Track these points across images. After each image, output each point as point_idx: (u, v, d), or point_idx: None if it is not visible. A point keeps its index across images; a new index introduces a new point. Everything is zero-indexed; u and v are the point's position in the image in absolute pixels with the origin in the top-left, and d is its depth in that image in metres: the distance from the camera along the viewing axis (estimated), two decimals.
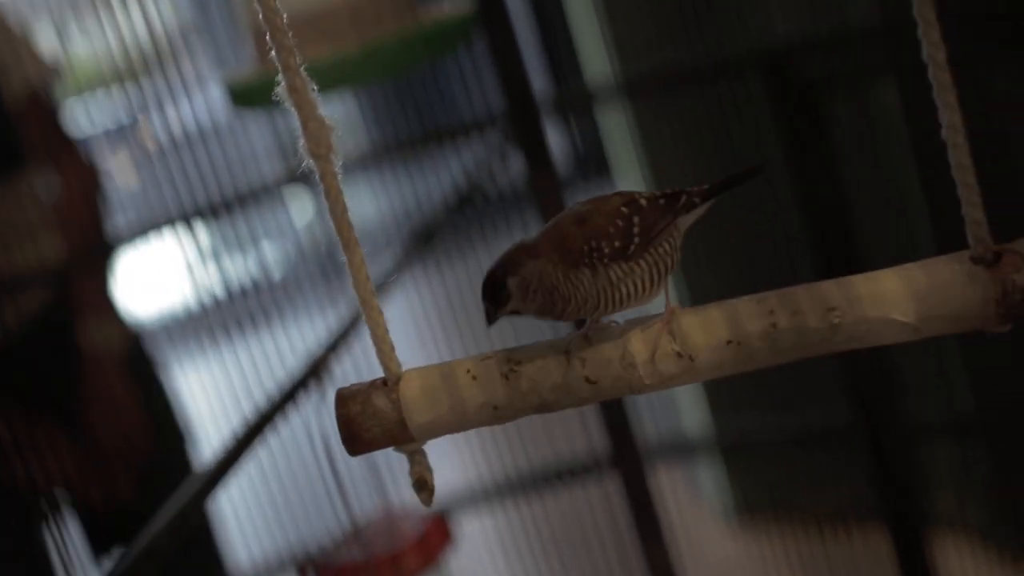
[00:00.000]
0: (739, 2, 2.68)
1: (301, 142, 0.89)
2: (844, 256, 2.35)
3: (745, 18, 2.67)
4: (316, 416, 1.66)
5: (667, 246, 0.91)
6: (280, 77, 0.88)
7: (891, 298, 0.86)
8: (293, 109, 0.88)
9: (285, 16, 0.86)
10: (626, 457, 2.70)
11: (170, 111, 2.34)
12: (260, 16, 0.86)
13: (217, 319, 2.51)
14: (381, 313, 0.91)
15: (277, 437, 1.71)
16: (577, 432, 2.90)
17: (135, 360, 2.20)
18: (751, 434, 2.90)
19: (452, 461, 3.28)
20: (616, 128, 3.05)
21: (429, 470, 0.92)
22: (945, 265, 0.87)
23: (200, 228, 2.56)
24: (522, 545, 2.94)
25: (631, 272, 0.89)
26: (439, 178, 2.93)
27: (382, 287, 2.04)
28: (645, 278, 0.90)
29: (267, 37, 0.88)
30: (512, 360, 0.90)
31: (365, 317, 0.90)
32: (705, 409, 3.07)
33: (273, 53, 0.87)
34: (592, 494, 2.85)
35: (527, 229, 2.75)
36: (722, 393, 3.03)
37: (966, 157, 0.85)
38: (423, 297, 2.98)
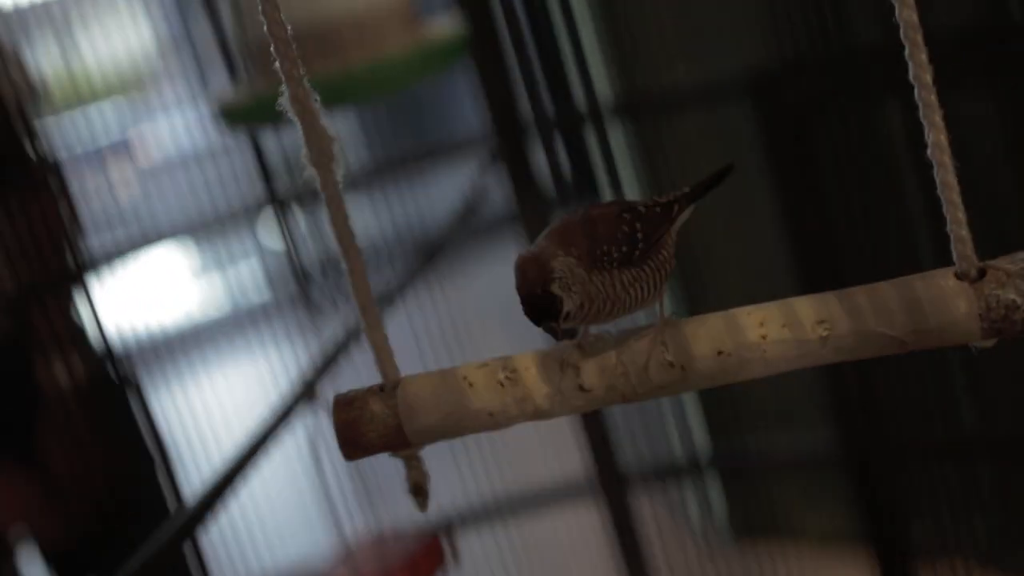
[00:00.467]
0: (730, 24, 2.71)
1: (303, 152, 0.90)
2: (830, 276, 2.38)
3: (735, 39, 2.70)
4: (307, 438, 1.66)
5: (665, 252, 0.94)
6: (283, 88, 0.90)
7: (878, 312, 0.88)
8: (295, 119, 0.90)
9: (289, 28, 0.88)
10: (609, 481, 2.73)
11: (153, 131, 2.34)
12: (265, 28, 0.88)
13: (195, 341, 2.51)
14: (380, 319, 0.92)
15: (267, 458, 1.72)
16: (560, 455, 2.92)
17: (100, 386, 2.17)
18: (737, 458, 2.92)
19: (433, 484, 3.29)
20: (603, 149, 3.06)
21: (425, 475, 0.94)
22: (931, 280, 0.89)
23: (183, 248, 2.56)
24: (511, 568, 2.95)
25: (639, 277, 0.91)
26: (423, 198, 2.95)
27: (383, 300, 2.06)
28: (650, 283, 0.92)
29: (271, 49, 0.90)
30: (508, 367, 0.92)
31: (363, 324, 0.92)
32: (691, 432, 3.08)
33: (277, 64, 0.89)
34: (575, 517, 2.86)
35: (513, 248, 2.76)
36: (708, 416, 3.04)
37: (951, 176, 0.87)
38: (415, 315, 2.99)
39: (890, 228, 2.55)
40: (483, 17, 2.16)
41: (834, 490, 2.69)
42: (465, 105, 2.70)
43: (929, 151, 0.87)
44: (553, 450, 2.88)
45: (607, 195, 3.11)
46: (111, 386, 2.18)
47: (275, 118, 2.02)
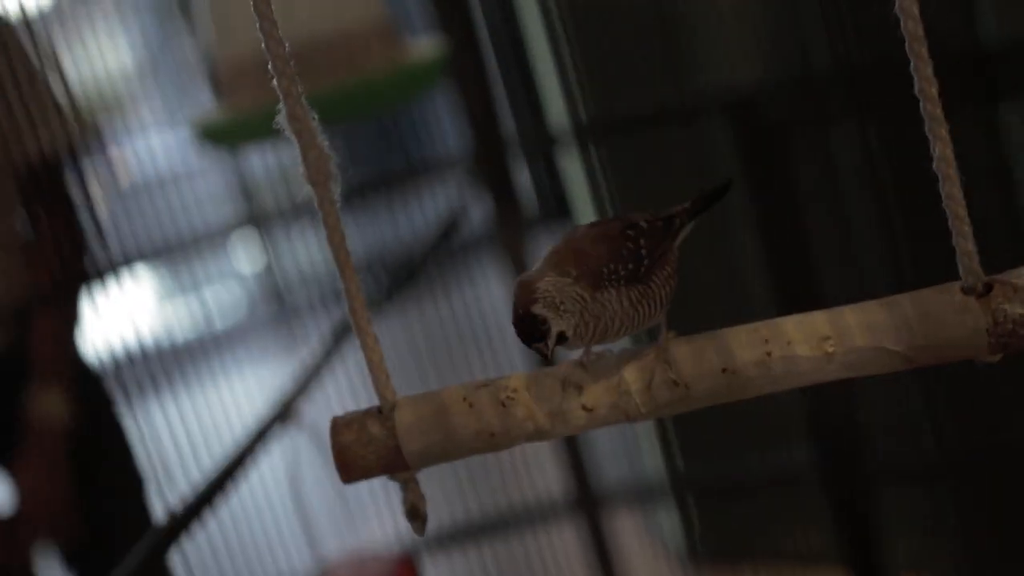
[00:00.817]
0: (704, 45, 2.71)
1: (301, 170, 0.89)
2: (808, 296, 2.37)
3: (710, 60, 2.70)
4: (284, 459, 1.65)
5: (669, 268, 0.92)
6: (280, 105, 0.88)
7: (883, 328, 0.87)
8: (293, 137, 0.89)
9: (287, 45, 0.87)
10: (585, 501, 2.71)
11: (131, 150, 2.32)
12: (263, 45, 0.86)
13: (168, 363, 2.47)
14: (376, 340, 0.91)
15: (244, 478, 1.70)
16: (537, 476, 2.90)
17: (92, 401, 2.14)
18: (710, 478, 2.91)
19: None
20: (578, 170, 3.06)
21: (422, 499, 0.92)
22: (936, 296, 0.88)
23: (153, 271, 2.54)
24: None
25: (646, 293, 0.90)
26: (402, 218, 2.94)
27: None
28: (657, 299, 0.90)
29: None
30: (508, 388, 0.90)
31: (361, 344, 0.91)
32: (663, 452, 3.07)
33: (275, 81, 0.88)
34: (552, 538, 2.84)
35: (493, 269, 2.75)
36: (683, 435, 3.03)
37: (957, 189, 0.87)
38: (393, 335, 2.97)
39: (869, 248, 2.56)
40: (464, 37, 2.14)
41: (811, 511, 2.68)
42: (443, 124, 2.69)
43: (935, 164, 0.87)
44: (530, 470, 2.87)
45: (584, 215, 3.11)
46: (104, 399, 2.15)
47: (254, 137, 2.01)
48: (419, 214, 2.79)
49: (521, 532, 2.87)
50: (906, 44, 0.85)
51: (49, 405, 1.97)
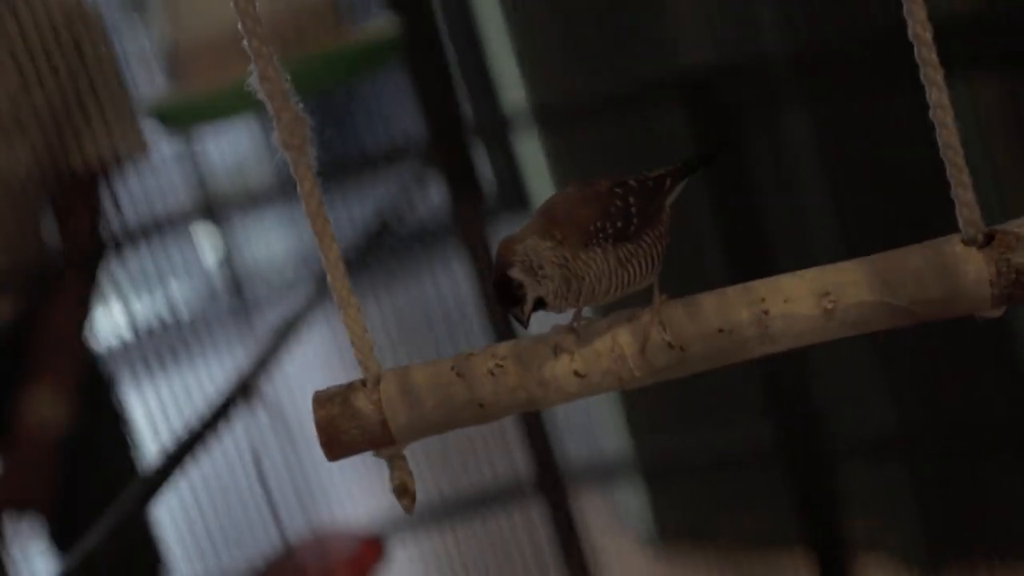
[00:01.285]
0: (658, 27, 2.69)
1: (274, 134, 0.85)
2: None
3: (664, 43, 2.68)
4: (246, 435, 1.62)
5: (661, 228, 0.89)
6: (252, 67, 0.85)
7: (884, 282, 0.85)
8: (266, 100, 0.85)
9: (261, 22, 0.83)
10: (548, 482, 2.69)
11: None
12: (233, 3, 0.82)
13: (124, 358, 2.43)
14: (359, 310, 0.87)
15: (208, 457, 1.66)
16: (499, 457, 2.87)
17: (95, 389, 2.09)
18: (672, 457, 2.89)
19: (374, 487, 3.23)
20: (532, 156, 3.04)
21: (410, 475, 0.89)
22: (936, 248, 0.86)
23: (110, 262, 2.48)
24: (445, 571, 2.91)
25: (635, 252, 0.87)
26: (352, 208, 2.90)
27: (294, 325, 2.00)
28: (646, 259, 0.87)
29: (238, 27, 0.85)
30: (497, 356, 0.87)
31: (343, 315, 0.87)
32: (624, 432, 3.05)
33: (245, 42, 0.84)
34: (515, 520, 2.82)
35: (448, 259, 2.72)
36: (642, 415, 3.02)
37: (954, 137, 0.84)
38: (339, 330, 2.92)
39: (824, 227, 2.55)
40: (420, 18, 2.10)
41: (770, 490, 2.67)
42: (395, 109, 2.64)
43: (931, 112, 0.84)
44: (492, 451, 2.84)
45: (540, 199, 3.08)
46: (105, 386, 2.10)
47: (210, 117, 1.96)
48: (371, 201, 2.75)
49: (485, 514, 2.85)
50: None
51: (48, 410, 1.90)
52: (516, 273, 0.84)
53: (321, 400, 0.87)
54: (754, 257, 2.35)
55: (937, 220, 2.38)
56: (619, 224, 0.86)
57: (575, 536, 2.66)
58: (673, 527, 3.02)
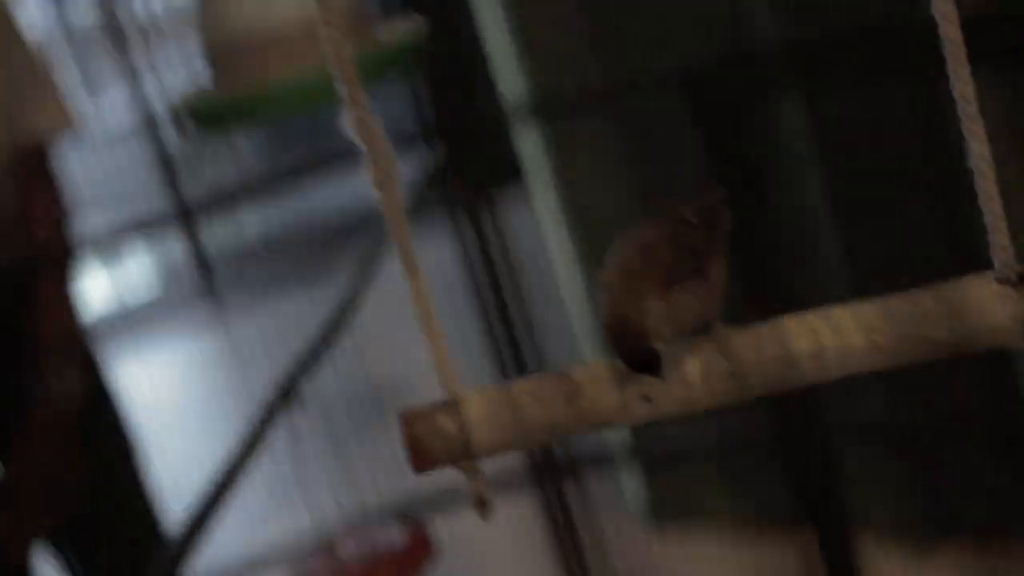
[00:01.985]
0: (657, 19, 2.74)
1: (368, 175, 0.92)
2: (770, 278, 2.42)
3: (663, 35, 2.73)
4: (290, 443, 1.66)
5: (722, 257, 0.96)
6: (344, 110, 0.91)
7: (924, 318, 0.92)
8: (362, 144, 0.91)
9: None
10: (547, 466, 2.76)
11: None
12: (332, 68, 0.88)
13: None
14: (443, 336, 0.94)
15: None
16: None
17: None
18: (671, 440, 2.96)
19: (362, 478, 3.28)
20: (529, 148, 3.09)
21: (488, 488, 0.96)
22: (973, 285, 0.93)
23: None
24: (445, 557, 2.96)
25: (708, 288, 0.94)
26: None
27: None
28: (714, 294, 0.95)
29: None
30: (570, 380, 0.94)
31: (428, 341, 0.94)
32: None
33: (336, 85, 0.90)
34: (516, 504, 2.88)
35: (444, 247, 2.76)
36: None
37: (992, 186, 0.92)
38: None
39: (828, 226, 2.62)
40: (442, 17, 2.16)
41: (769, 471, 2.75)
42: (400, 98, 2.69)
43: (970, 161, 0.91)
44: None
45: (538, 189, 3.14)
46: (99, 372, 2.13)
47: (249, 119, 2.01)
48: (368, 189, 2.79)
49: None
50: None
51: (60, 385, 1.93)
52: (659, 347, 0.91)
53: (410, 419, 0.94)
54: (754, 257, 2.42)
55: (937, 212, 2.45)
56: (692, 266, 0.93)
57: (572, 519, 2.73)
58: (673, 509, 3.10)
